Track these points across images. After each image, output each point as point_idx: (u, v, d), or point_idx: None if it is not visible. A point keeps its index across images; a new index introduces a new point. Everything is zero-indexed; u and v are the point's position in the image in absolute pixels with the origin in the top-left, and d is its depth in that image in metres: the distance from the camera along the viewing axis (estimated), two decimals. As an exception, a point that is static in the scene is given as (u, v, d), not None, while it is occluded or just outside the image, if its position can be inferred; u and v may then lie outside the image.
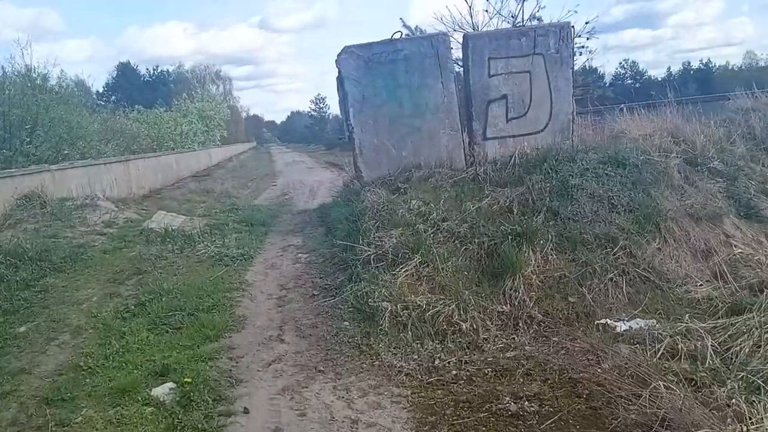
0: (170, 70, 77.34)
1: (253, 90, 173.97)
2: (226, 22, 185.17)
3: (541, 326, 5.56)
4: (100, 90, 70.23)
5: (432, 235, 6.59)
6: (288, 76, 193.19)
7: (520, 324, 5.58)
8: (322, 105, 78.16)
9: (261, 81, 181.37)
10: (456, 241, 6.58)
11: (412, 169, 8.28)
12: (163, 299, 6.39)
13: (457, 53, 10.00)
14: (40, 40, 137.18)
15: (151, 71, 78.31)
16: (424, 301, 5.71)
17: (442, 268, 6.19)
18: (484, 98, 8.54)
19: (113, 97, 74.74)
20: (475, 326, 5.45)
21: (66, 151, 19.45)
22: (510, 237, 6.34)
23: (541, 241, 6.35)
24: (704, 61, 60.61)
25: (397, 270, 6.16)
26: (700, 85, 50.30)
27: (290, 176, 26.54)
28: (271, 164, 41.40)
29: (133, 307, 6.32)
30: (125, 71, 76.41)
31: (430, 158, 8.44)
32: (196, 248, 8.33)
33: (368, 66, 8.31)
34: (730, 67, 58.24)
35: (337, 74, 8.35)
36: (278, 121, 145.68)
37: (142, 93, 64.63)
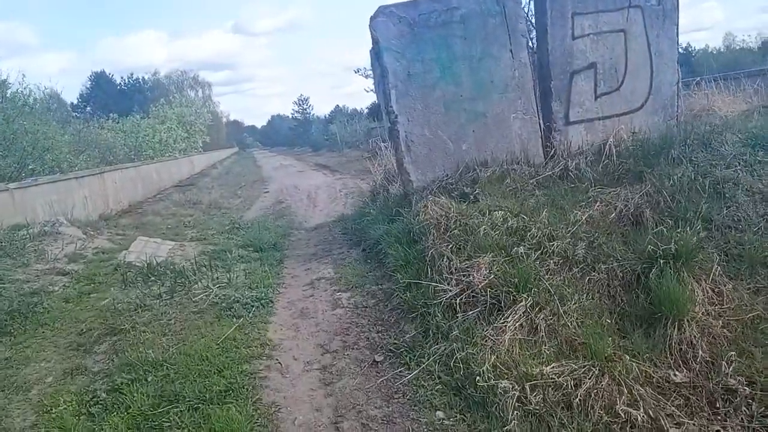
0: (146, 78, 74.52)
1: (232, 95, 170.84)
2: (200, 28, 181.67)
3: (751, 405, 3.53)
4: (75, 101, 67.41)
5: (538, 262, 4.54)
6: (266, 79, 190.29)
7: (718, 404, 3.55)
8: (305, 106, 75.78)
9: (239, 86, 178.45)
10: (573, 270, 4.54)
11: (477, 168, 6.20)
12: (149, 379, 4.27)
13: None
14: (15, 56, 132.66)
15: (126, 80, 75.47)
16: (556, 372, 3.68)
17: (565, 312, 4.15)
18: (566, 69, 6.49)
19: (88, 107, 72.01)
20: (652, 414, 3.41)
21: (31, 166, 17.18)
22: (657, 260, 4.30)
23: (705, 264, 4.32)
24: (684, 45, 58.91)
25: (500, 319, 4.11)
26: (682, 68, 48.72)
27: (281, 181, 24.36)
28: (258, 169, 39.09)
29: (104, 394, 4.19)
30: (99, 81, 73.52)
31: (499, 152, 6.38)
32: (191, 290, 6.09)
33: (414, 32, 6.18)
34: (709, 50, 56.73)
35: (371, 45, 6.22)
36: (259, 126, 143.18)
37: (118, 102, 62.03)
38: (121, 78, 76.11)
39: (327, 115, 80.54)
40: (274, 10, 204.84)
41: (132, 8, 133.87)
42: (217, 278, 6.40)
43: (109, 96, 67.79)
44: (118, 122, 33.92)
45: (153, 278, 6.60)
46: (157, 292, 6.11)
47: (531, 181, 5.83)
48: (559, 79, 6.48)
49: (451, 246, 4.88)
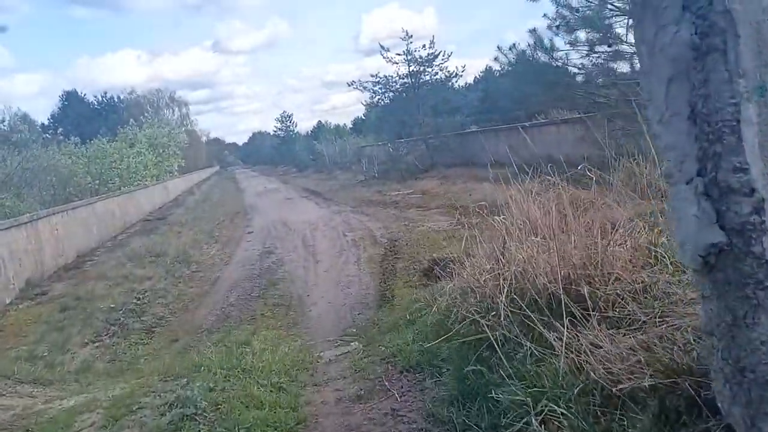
0: (120, 97, 70.65)
1: (212, 113, 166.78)
2: (178, 47, 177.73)
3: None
4: (46, 122, 63.31)
5: None
6: (246, 96, 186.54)
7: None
8: (288, 123, 72.17)
9: (219, 103, 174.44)
10: None
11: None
12: None
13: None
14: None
15: (100, 98, 71.53)
16: None
17: None
18: None
19: (60, 128, 67.95)
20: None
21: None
22: None
23: None
24: None
25: None
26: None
27: (267, 214, 20.69)
28: (239, 194, 35.37)
29: None
30: (72, 100, 69.55)
31: None
32: None
33: None
34: None
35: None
36: (240, 143, 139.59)
37: (91, 122, 58.26)
38: (94, 97, 72.19)
39: (310, 132, 77.03)
40: (252, 28, 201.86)
41: (109, 28, 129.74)
42: None
43: (81, 116, 63.94)
44: (81, 146, 30.13)
45: None
46: None
47: None
48: None
49: None
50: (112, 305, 9.11)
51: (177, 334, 7.59)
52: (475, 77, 51.67)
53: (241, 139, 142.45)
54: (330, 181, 33.68)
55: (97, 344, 7.53)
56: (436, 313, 5.00)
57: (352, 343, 6.00)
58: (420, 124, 25.59)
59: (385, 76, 26.74)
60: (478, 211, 7.32)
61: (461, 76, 26.86)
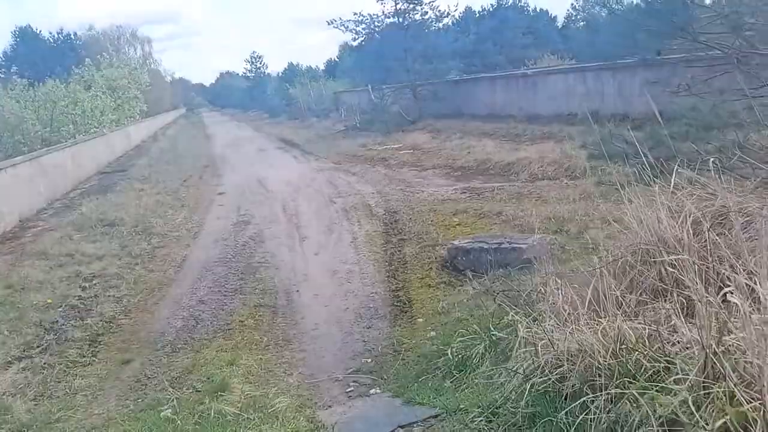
0: (78, 34, 65.98)
1: (177, 51, 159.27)
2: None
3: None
4: (-2, 61, 59.00)
5: None
6: (213, 33, 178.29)
7: None
8: (258, 64, 68.48)
9: (186, 39, 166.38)
10: None
11: None
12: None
13: None
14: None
15: (56, 35, 66.70)
16: None
17: None
18: None
19: (13, 67, 62.96)
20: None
21: None
22: None
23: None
24: None
25: None
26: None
27: (240, 170, 18.64)
28: (208, 143, 32.95)
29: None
30: (25, 37, 64.70)
31: None
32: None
33: None
34: None
35: None
36: (207, 84, 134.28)
37: (48, 62, 54.34)
38: (50, 34, 67.32)
39: (280, 74, 73.32)
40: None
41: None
42: None
43: (37, 55, 59.61)
44: (30, 89, 27.17)
45: None
46: None
47: None
48: None
49: None
50: (49, 300, 7.23)
51: (130, 350, 5.79)
52: (457, 18, 48.83)
53: (209, 80, 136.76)
54: (306, 130, 31.43)
55: (23, 364, 5.70)
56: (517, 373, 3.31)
57: (371, 391, 4.30)
58: (408, 70, 23.42)
59: (369, 15, 24.30)
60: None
61: (453, 15, 24.53)
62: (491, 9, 44.58)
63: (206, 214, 12.23)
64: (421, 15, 23.79)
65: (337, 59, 72.69)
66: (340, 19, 25.34)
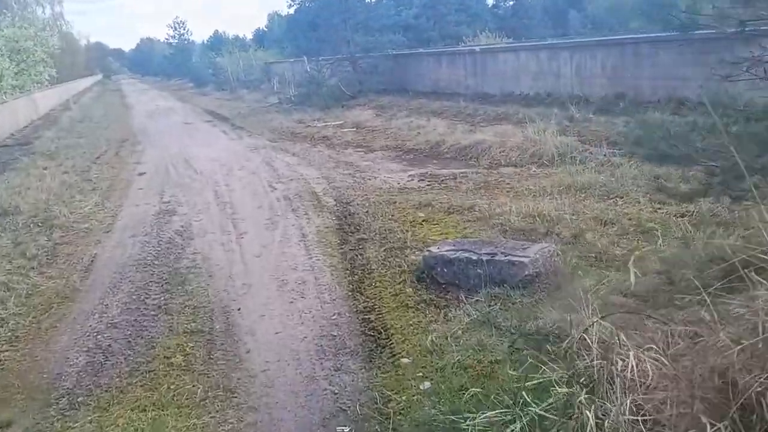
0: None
1: (93, 14, 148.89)
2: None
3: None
4: None
5: None
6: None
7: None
8: (182, 30, 64.30)
9: (107, 2, 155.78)
10: None
11: None
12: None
13: None
14: None
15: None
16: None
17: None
18: None
19: None
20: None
21: None
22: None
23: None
24: None
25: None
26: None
27: (163, 145, 16.73)
28: (126, 113, 30.26)
29: None
30: None
31: None
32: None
33: None
34: None
35: None
36: (126, 49, 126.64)
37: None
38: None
39: (206, 41, 69.28)
40: None
41: None
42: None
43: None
44: None
45: None
46: None
47: None
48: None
49: None
50: None
51: (10, 405, 4.26)
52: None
53: (129, 46, 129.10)
54: (236, 103, 29.31)
55: None
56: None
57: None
58: (347, 41, 21.83)
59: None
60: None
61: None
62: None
63: (122, 200, 10.47)
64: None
65: (265, 29, 69.58)
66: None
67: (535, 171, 9.87)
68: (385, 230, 7.34)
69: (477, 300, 4.89)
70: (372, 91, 21.64)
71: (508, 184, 9.16)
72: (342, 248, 6.94)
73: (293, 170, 11.72)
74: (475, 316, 4.56)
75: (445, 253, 5.59)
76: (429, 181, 9.93)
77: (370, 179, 10.40)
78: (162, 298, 5.94)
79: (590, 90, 14.01)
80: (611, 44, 14.23)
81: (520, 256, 5.09)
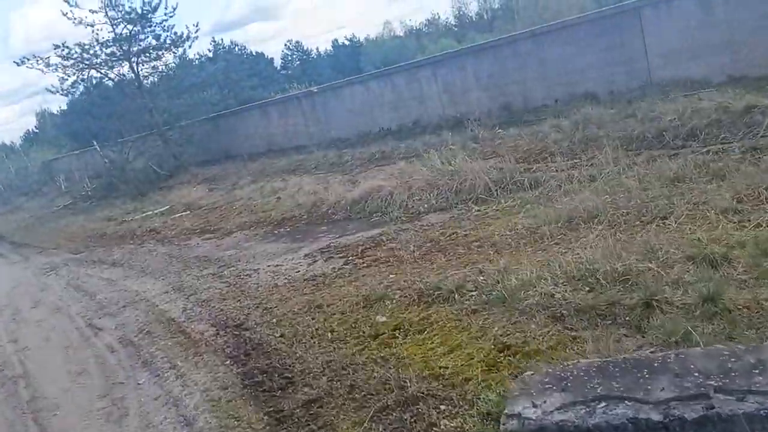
0: None
1: None
2: None
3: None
4: None
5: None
6: None
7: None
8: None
9: None
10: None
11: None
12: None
13: None
14: None
15: None
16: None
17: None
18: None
19: None
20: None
21: None
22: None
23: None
24: (349, 37, 56.55)
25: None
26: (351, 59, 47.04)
27: None
28: None
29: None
30: None
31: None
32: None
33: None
34: (372, 39, 55.55)
35: None
36: None
37: None
38: None
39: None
40: None
41: None
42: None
43: None
44: None
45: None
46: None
47: None
48: None
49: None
50: None
51: None
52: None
53: None
54: (12, 215, 23.19)
55: None
56: None
57: None
58: (150, 110, 17.79)
59: (80, 46, 17.95)
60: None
61: (196, 38, 19.46)
62: (209, 54, 41.07)
63: None
64: (154, 37, 18.36)
65: (36, 130, 60.99)
66: (35, 56, 18.49)
67: (477, 211, 7.14)
68: (339, 367, 3.97)
69: None
70: (193, 164, 17.82)
71: (464, 234, 6.27)
72: (284, 437, 3.43)
73: (121, 289, 7.71)
74: None
75: (571, 418, 2.42)
76: (341, 257, 6.69)
77: (249, 275, 6.87)
78: None
79: (467, 108, 11.89)
80: (481, 49, 12.33)
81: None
